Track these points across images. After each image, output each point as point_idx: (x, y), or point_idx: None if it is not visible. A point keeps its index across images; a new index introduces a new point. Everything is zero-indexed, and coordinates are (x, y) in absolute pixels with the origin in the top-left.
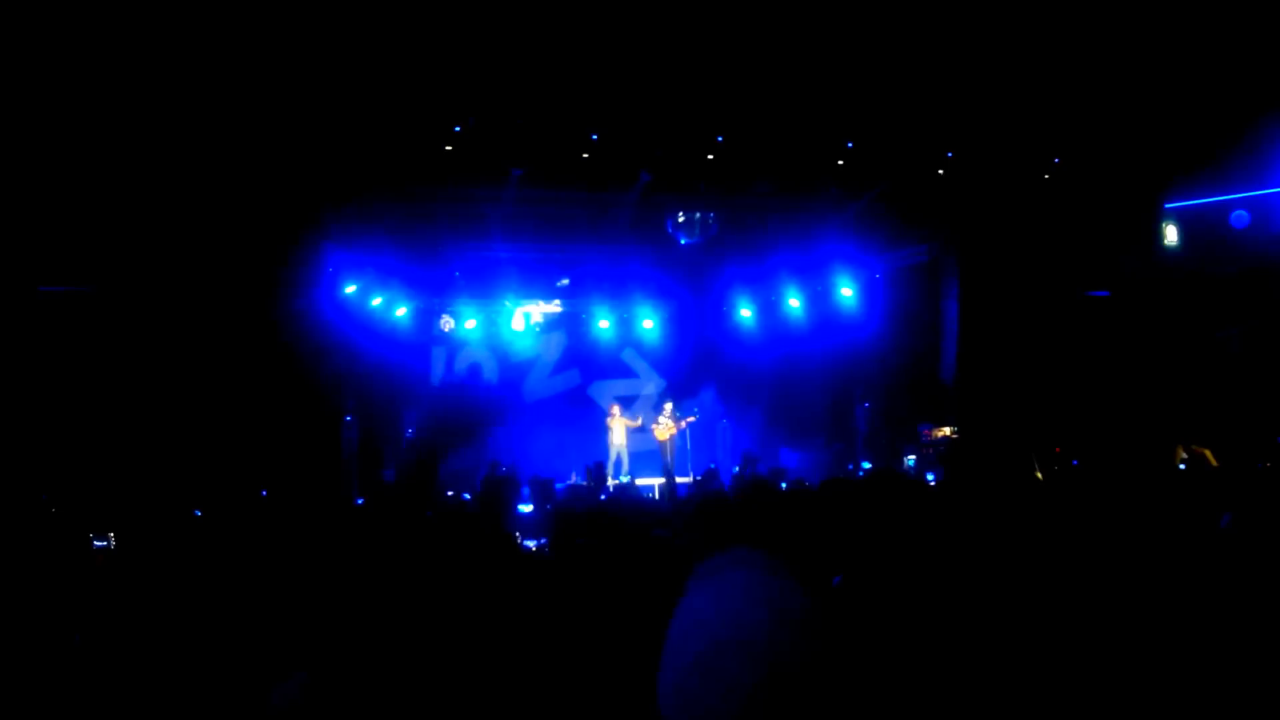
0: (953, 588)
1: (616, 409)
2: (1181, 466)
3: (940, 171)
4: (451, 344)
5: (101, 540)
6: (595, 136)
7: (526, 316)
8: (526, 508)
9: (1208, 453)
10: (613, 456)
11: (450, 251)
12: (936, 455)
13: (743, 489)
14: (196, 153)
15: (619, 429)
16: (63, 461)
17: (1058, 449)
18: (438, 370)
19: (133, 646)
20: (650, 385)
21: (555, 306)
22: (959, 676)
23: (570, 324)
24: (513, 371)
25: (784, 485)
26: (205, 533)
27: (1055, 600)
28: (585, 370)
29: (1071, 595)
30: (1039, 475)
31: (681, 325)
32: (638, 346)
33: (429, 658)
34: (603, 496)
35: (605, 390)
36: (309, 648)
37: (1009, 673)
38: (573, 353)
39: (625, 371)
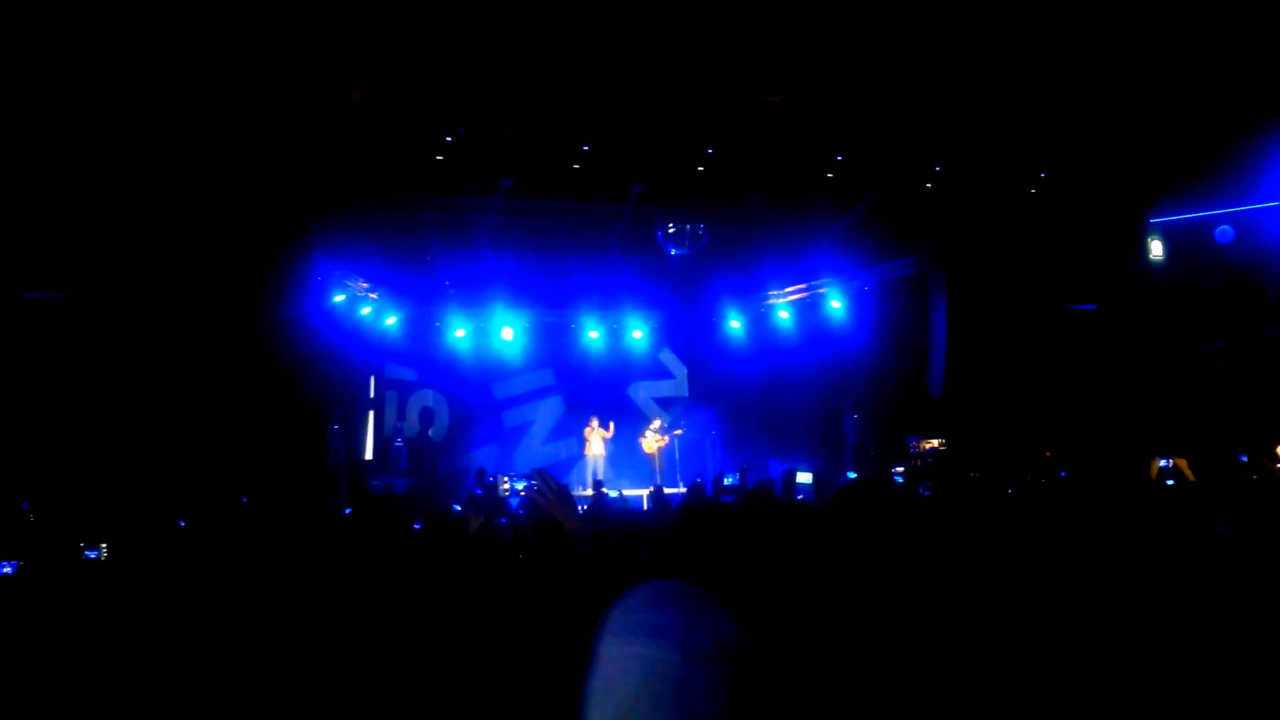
0: (941, 598)
1: (595, 421)
2: (1167, 482)
3: (928, 185)
4: (404, 389)
5: (93, 551)
6: (586, 147)
7: (518, 329)
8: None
9: (1183, 463)
10: (589, 467)
11: (440, 261)
12: (922, 467)
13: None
14: (185, 161)
15: (596, 440)
16: (49, 470)
17: (1048, 453)
18: (390, 417)
19: (122, 652)
20: (681, 387)
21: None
22: (950, 685)
23: (561, 338)
24: (506, 434)
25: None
26: (194, 540)
27: (1046, 608)
28: (582, 391)
29: (1061, 603)
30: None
31: (671, 336)
32: (674, 347)
33: (407, 660)
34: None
35: (642, 391)
36: (292, 653)
37: (1001, 681)
38: (564, 364)
39: (663, 373)
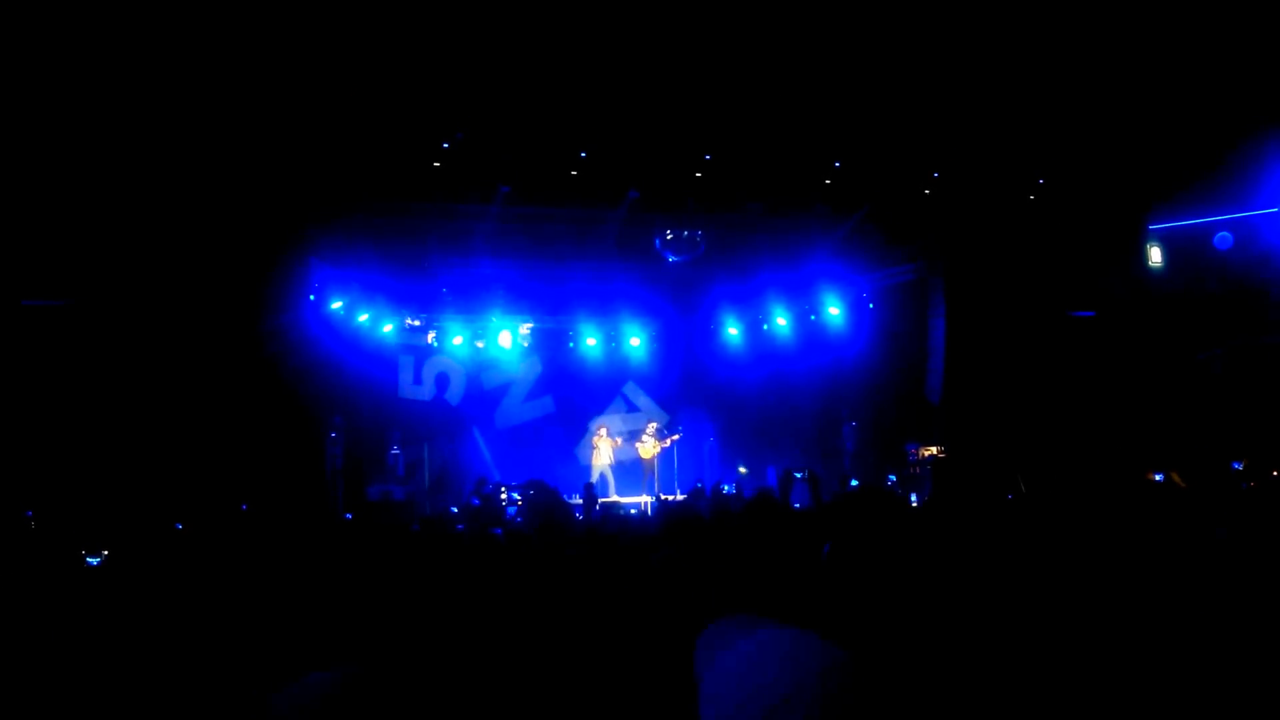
0: (943, 603)
1: (603, 429)
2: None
3: (927, 191)
4: (419, 353)
5: (95, 558)
6: (584, 154)
7: (514, 332)
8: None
9: (1175, 476)
10: (595, 476)
11: (437, 267)
12: (920, 474)
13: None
14: (181, 166)
15: (604, 449)
16: (50, 478)
17: (1045, 467)
18: (405, 380)
19: (122, 660)
20: (653, 421)
21: (524, 328)
22: (956, 687)
23: (557, 345)
24: (485, 391)
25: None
26: (192, 548)
27: (1045, 615)
28: (574, 395)
29: (1060, 609)
30: (1022, 488)
31: (669, 343)
32: (639, 381)
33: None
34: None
35: (613, 427)
36: (299, 656)
37: (1004, 684)
38: (558, 376)
39: (628, 406)
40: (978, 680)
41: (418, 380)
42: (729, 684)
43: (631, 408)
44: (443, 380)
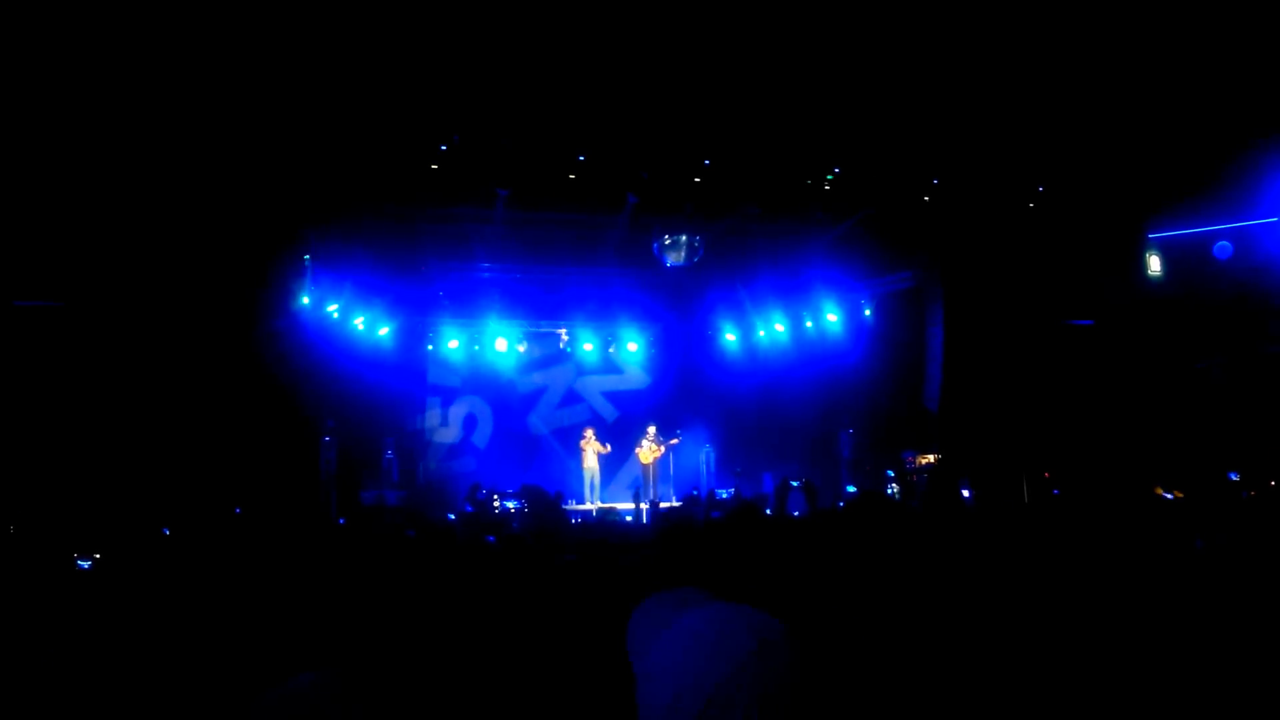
0: (939, 608)
1: (590, 433)
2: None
3: (925, 198)
4: (446, 394)
5: (85, 560)
6: (582, 158)
7: (511, 340)
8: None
9: (1179, 494)
10: (586, 480)
11: (434, 271)
12: (917, 482)
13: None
14: (178, 169)
15: (591, 453)
16: (43, 480)
17: (1046, 474)
18: (431, 421)
19: (114, 663)
20: (635, 380)
21: (561, 332)
22: (949, 693)
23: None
24: (517, 402)
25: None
26: (186, 551)
27: (1042, 619)
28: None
29: (1057, 614)
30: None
31: (666, 348)
32: (668, 358)
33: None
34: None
35: (592, 386)
36: (292, 659)
37: (998, 688)
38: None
39: (612, 368)
40: (968, 678)
41: (444, 422)
42: (666, 666)
43: (612, 369)
44: (470, 421)
